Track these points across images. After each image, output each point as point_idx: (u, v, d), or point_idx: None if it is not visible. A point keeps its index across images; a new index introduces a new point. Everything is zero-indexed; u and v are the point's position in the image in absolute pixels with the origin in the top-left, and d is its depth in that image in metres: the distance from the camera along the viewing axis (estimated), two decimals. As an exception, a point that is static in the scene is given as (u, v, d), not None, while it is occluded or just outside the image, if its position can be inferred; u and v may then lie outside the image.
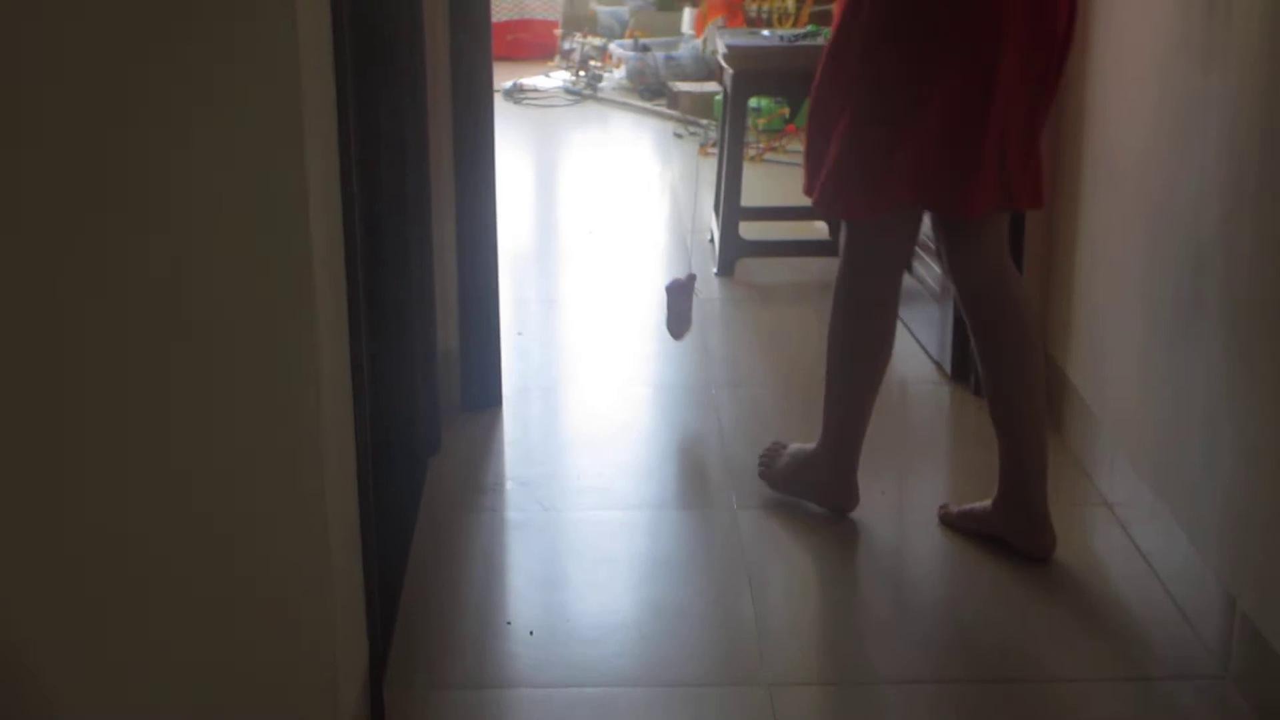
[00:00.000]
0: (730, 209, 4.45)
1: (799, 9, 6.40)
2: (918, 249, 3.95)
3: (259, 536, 1.84)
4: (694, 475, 3.15)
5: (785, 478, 2.94)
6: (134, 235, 1.71)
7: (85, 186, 1.69)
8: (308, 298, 1.76)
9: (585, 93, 7.32)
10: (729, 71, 4.53)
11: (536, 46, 8.08)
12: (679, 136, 6.49)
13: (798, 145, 5.94)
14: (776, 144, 5.96)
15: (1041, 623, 2.54)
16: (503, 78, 6.76)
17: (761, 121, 6.11)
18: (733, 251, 4.48)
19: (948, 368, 3.62)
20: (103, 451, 1.78)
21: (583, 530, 2.90)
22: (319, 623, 1.89)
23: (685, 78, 7.14)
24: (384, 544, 2.33)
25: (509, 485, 3.05)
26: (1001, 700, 2.31)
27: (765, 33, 5.01)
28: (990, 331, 2.70)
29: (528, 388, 3.59)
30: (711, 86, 6.89)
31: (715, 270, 4.50)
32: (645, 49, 7.35)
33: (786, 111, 6.18)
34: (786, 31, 4.81)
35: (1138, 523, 2.76)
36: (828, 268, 4.50)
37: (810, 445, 2.90)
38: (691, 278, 3.62)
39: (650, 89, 7.18)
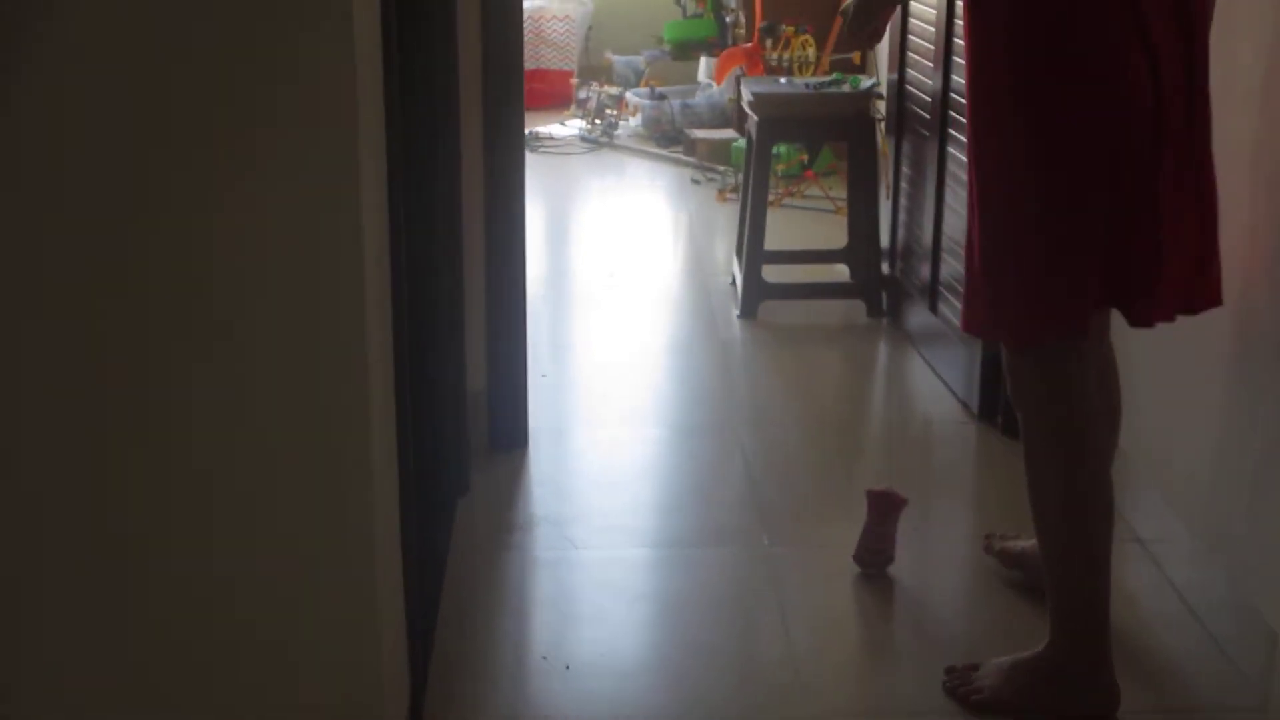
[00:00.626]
0: (754, 252, 4.48)
1: (819, 57, 6.45)
2: (942, 288, 3.98)
3: (308, 573, 1.85)
4: (722, 513, 3.16)
5: (1021, 693, 2.36)
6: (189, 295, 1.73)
7: (147, 220, 1.71)
8: (360, 339, 1.78)
9: (601, 140, 7.36)
10: (754, 118, 4.56)
11: (552, 96, 8.13)
12: (696, 183, 6.52)
13: (816, 190, 5.98)
14: (795, 189, 6.00)
15: (1076, 658, 2.54)
16: (520, 126, 6.80)
17: (781, 167, 6.15)
18: (756, 294, 4.50)
19: (974, 407, 3.63)
20: (155, 491, 1.80)
21: (614, 568, 2.90)
22: (366, 665, 1.89)
23: (701, 125, 7.18)
24: (420, 583, 2.34)
25: (538, 524, 3.06)
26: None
27: (783, 80, 5.06)
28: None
29: (553, 429, 3.60)
30: (728, 133, 6.93)
31: (738, 313, 4.52)
32: (662, 97, 7.40)
33: (805, 158, 6.21)
34: (811, 79, 4.84)
35: (1172, 559, 2.76)
36: (849, 310, 4.55)
37: (1026, 653, 2.40)
38: (900, 500, 2.86)
39: (666, 136, 7.22)
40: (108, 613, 1.82)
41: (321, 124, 1.69)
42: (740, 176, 6.30)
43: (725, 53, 7.10)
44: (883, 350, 4.31)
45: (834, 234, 5.29)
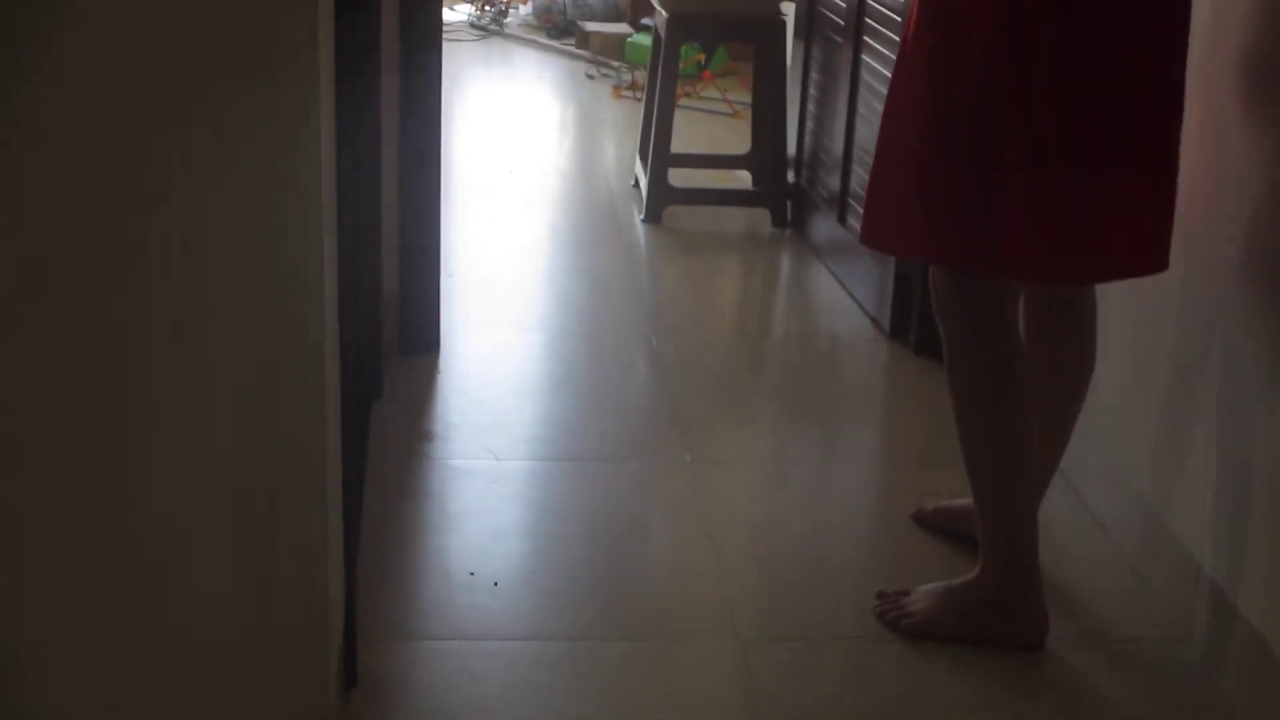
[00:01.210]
0: (660, 156, 4.41)
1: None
2: (851, 200, 3.96)
3: (260, 483, 1.77)
4: (641, 425, 3.12)
5: (952, 619, 2.37)
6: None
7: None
8: (319, 249, 1.70)
9: (491, 28, 7.19)
10: (663, 15, 4.47)
11: (438, -22, 7.93)
12: (590, 78, 6.41)
13: (713, 92, 5.91)
14: (691, 90, 5.92)
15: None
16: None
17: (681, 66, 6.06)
18: (662, 199, 4.44)
19: (885, 324, 3.63)
20: (103, 398, 1.70)
21: (536, 480, 2.86)
22: (312, 582, 1.83)
23: (594, 18, 7.06)
24: (356, 496, 2.28)
25: (456, 433, 3.00)
26: (970, 659, 2.32)
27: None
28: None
29: (464, 332, 3.52)
30: (623, 28, 6.81)
31: (642, 217, 4.46)
32: (553, -14, 7.25)
33: (702, 58, 6.13)
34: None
35: (1090, 488, 2.79)
36: (753, 217, 4.52)
37: (957, 580, 2.42)
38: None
39: (558, 27, 7.08)
40: (51, 527, 1.73)
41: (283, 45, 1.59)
42: (635, 74, 6.22)
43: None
44: (790, 261, 4.29)
45: (731, 138, 5.26)
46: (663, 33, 4.49)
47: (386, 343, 3.26)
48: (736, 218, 4.53)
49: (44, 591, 1.69)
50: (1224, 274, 2.33)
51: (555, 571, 2.51)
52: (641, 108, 4.72)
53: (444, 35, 3.24)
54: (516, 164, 5.08)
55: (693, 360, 3.48)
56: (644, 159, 4.60)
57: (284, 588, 1.82)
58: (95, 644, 1.72)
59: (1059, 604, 2.45)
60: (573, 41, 6.91)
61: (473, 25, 7.20)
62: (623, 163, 5.09)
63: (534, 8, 7.26)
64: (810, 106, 4.38)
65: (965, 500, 2.58)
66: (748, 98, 4.95)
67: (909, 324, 3.56)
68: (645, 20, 6.54)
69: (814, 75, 4.36)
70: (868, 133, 3.81)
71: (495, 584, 2.44)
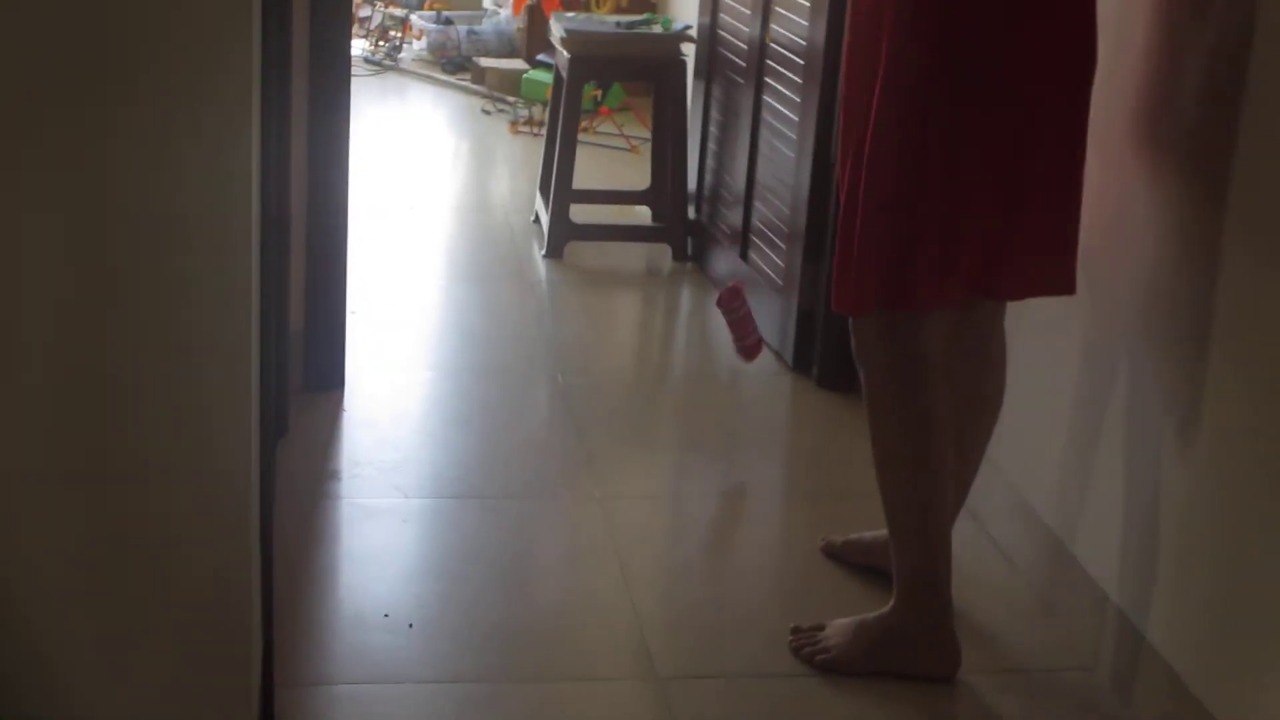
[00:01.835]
0: (562, 192, 4.41)
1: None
2: (753, 236, 4.00)
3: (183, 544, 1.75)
4: (550, 463, 3.11)
5: (866, 653, 2.38)
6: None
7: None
8: (248, 271, 1.69)
9: (385, 63, 7.16)
10: (565, 56, 4.48)
11: (331, 12, 7.89)
12: (487, 113, 6.41)
13: (609, 127, 5.94)
14: (588, 125, 5.94)
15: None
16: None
17: (575, 102, 6.09)
18: (564, 234, 4.44)
19: (788, 358, 3.66)
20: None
21: (445, 519, 2.84)
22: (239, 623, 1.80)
23: (489, 53, 7.06)
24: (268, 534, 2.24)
25: (363, 471, 2.97)
26: (890, 692, 2.34)
27: (591, 16, 4.99)
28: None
29: (367, 370, 3.49)
30: (519, 64, 6.82)
31: (543, 252, 4.46)
32: (448, 21, 7.24)
33: (599, 94, 6.16)
34: (620, 18, 4.78)
35: (995, 520, 2.83)
36: (653, 253, 4.54)
37: (870, 614, 2.42)
38: (737, 286, 3.37)
39: (452, 62, 7.07)
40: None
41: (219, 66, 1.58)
42: (532, 109, 6.23)
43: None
44: (692, 295, 4.31)
45: (628, 174, 5.28)
46: (564, 73, 4.50)
47: (291, 380, 3.22)
48: (637, 253, 4.55)
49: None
50: (1128, 309, 2.39)
51: (469, 612, 2.49)
52: (539, 143, 4.73)
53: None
54: (416, 200, 5.06)
55: (597, 395, 3.48)
56: (545, 195, 4.60)
57: (206, 633, 1.79)
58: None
59: (969, 635, 2.48)
60: (468, 77, 6.90)
61: (367, 60, 7.16)
62: (522, 198, 5.09)
63: (429, 43, 7.25)
64: (710, 144, 4.42)
65: (875, 532, 2.62)
66: (644, 133, 4.98)
67: (812, 357, 3.59)
68: (541, 56, 6.55)
69: (714, 114, 4.40)
70: (768, 170, 3.86)
71: (410, 625, 2.42)
